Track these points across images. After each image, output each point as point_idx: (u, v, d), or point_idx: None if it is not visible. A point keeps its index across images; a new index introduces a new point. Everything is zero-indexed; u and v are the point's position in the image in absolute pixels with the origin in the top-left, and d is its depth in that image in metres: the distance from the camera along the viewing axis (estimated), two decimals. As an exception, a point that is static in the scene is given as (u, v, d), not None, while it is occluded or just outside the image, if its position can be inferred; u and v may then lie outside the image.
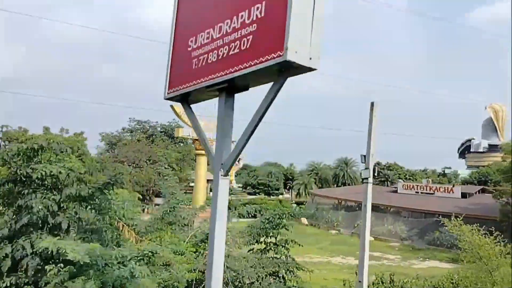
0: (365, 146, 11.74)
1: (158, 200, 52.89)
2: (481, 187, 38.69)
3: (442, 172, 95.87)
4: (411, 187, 42.66)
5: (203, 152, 39.23)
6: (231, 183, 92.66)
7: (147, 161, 54.96)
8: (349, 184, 62.55)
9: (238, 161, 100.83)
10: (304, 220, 45.57)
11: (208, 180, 65.55)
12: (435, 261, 27.98)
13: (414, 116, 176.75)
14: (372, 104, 11.29)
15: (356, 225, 39.31)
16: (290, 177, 72.78)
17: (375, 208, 39.25)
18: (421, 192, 41.12)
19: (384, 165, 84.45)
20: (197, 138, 38.82)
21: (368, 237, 11.51)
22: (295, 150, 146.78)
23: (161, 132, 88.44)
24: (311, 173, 66.29)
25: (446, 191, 38.97)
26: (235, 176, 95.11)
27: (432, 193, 39.95)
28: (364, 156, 11.44)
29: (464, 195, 37.59)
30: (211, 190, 63.02)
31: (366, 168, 11.55)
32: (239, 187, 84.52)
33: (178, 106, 37.38)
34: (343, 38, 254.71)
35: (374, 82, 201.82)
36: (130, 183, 54.81)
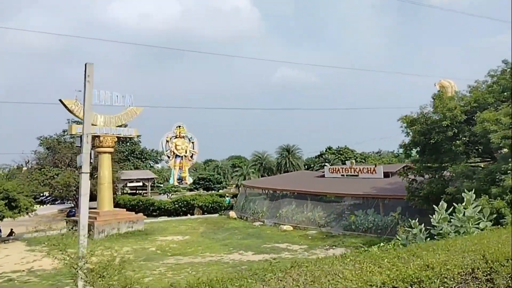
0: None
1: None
2: (404, 164, 36.97)
3: (397, 153, 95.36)
4: (336, 170, 40.74)
5: (107, 149, 36.21)
6: (184, 180, 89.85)
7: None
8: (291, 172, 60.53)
9: (192, 157, 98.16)
10: (232, 214, 43.24)
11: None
12: (341, 249, 25.86)
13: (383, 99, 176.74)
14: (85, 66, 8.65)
15: (278, 215, 37.19)
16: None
17: (296, 195, 37.27)
18: (347, 175, 39.25)
19: (336, 149, 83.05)
20: (98, 134, 35.76)
21: (85, 228, 9.00)
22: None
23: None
24: (255, 163, 63.96)
25: (369, 171, 37.16)
26: (189, 172, 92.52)
27: (356, 175, 38.10)
28: (80, 137, 8.82)
29: (386, 175, 35.83)
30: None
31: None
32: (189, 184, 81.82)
33: (69, 100, 34.26)
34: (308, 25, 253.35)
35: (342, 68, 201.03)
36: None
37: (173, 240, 31.10)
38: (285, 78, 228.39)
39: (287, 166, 62.67)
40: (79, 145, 9.13)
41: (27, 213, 33.91)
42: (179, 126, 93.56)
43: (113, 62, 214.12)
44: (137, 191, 69.98)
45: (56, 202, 68.14)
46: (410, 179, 25.51)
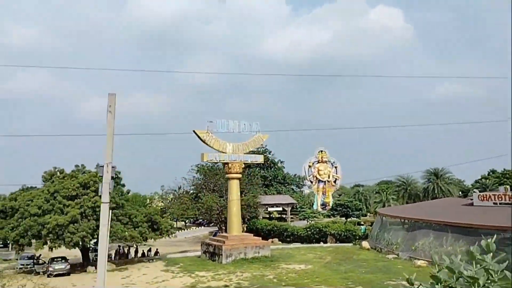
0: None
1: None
2: None
3: None
4: (487, 197, 34.59)
5: (235, 175, 37.66)
6: (328, 205, 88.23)
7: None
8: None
9: (335, 182, 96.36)
10: (365, 244, 40.37)
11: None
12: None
13: None
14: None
15: (414, 248, 33.23)
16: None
17: (435, 226, 32.91)
18: (500, 203, 33.06)
19: (501, 173, 71.62)
20: (227, 161, 37.52)
21: (104, 259, 8.88)
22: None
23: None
24: (398, 189, 59.13)
25: (529, 199, 30.61)
26: (333, 197, 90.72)
27: (511, 203, 31.80)
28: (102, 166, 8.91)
29: (553, 204, 28.98)
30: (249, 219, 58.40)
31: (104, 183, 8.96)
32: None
33: (201, 131, 36.87)
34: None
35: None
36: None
37: (294, 269, 30.29)
38: (446, 93, 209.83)
39: (436, 192, 56.11)
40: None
41: (168, 235, 37.18)
42: (322, 151, 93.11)
43: (266, 93, 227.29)
44: (280, 215, 71.30)
45: (211, 224, 73.24)
46: None
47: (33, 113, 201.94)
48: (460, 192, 64.80)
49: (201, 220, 78.72)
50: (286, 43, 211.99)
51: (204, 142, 36.98)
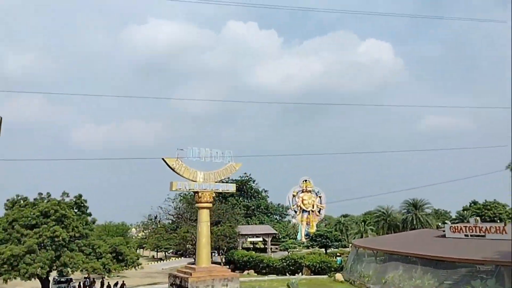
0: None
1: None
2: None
3: None
4: (459, 229, 34.10)
5: (205, 205, 36.87)
6: (309, 236, 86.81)
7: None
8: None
9: (319, 212, 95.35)
10: (339, 276, 39.41)
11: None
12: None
13: None
14: None
15: (384, 281, 32.42)
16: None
17: (405, 258, 32.22)
18: (471, 235, 32.57)
19: (482, 204, 71.34)
20: (197, 190, 36.79)
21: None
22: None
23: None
24: (378, 220, 58.45)
25: (498, 231, 30.15)
26: (317, 227, 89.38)
27: (482, 235, 31.32)
28: None
29: (522, 236, 28.53)
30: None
31: None
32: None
33: (171, 158, 36.29)
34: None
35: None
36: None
37: (259, 303, 29.24)
38: (433, 125, 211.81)
39: (415, 223, 55.49)
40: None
41: (134, 267, 35.97)
42: (306, 180, 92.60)
43: (259, 122, 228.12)
44: (265, 246, 69.82)
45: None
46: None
47: (29, 140, 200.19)
48: (443, 223, 64.22)
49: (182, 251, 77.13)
50: (278, 74, 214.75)
51: (173, 170, 36.34)
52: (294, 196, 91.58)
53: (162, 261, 76.71)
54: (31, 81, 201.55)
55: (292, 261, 45.55)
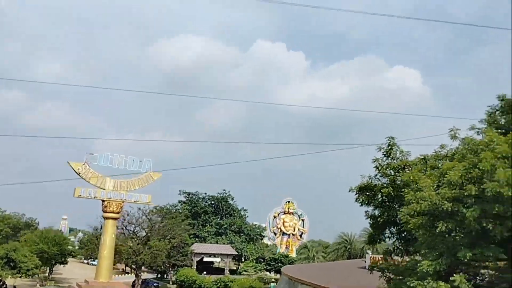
0: None
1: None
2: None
3: None
4: (377, 260, 30.33)
5: (111, 215, 34.48)
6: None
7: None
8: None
9: (301, 236, 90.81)
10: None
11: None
12: None
13: None
14: None
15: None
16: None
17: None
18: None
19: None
20: (103, 199, 34.49)
21: None
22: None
23: (209, 205, 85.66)
24: (339, 247, 54.36)
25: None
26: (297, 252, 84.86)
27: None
28: None
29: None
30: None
31: None
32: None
33: (77, 163, 34.25)
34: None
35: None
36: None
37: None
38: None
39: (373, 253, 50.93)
40: None
41: (29, 275, 33.69)
42: (289, 202, 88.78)
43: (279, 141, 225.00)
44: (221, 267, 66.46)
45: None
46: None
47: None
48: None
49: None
50: (304, 95, 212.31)
51: (79, 175, 34.26)
52: (275, 217, 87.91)
53: (127, 274, 74.02)
54: (61, 90, 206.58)
55: (223, 283, 42.38)
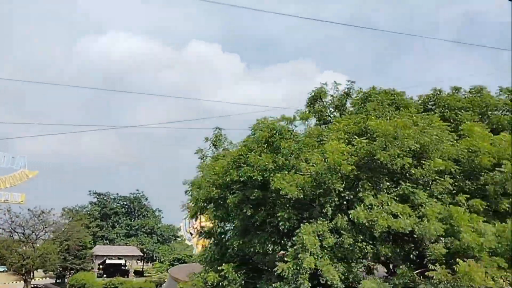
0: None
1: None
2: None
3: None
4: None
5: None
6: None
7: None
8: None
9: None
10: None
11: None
12: None
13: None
14: None
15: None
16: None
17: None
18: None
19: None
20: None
21: None
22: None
23: (121, 206, 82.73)
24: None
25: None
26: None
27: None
28: None
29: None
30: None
31: None
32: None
33: None
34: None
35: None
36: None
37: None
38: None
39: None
40: None
41: None
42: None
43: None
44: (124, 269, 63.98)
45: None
46: None
47: None
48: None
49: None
50: (240, 97, 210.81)
51: None
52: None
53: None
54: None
55: (113, 286, 40.71)
